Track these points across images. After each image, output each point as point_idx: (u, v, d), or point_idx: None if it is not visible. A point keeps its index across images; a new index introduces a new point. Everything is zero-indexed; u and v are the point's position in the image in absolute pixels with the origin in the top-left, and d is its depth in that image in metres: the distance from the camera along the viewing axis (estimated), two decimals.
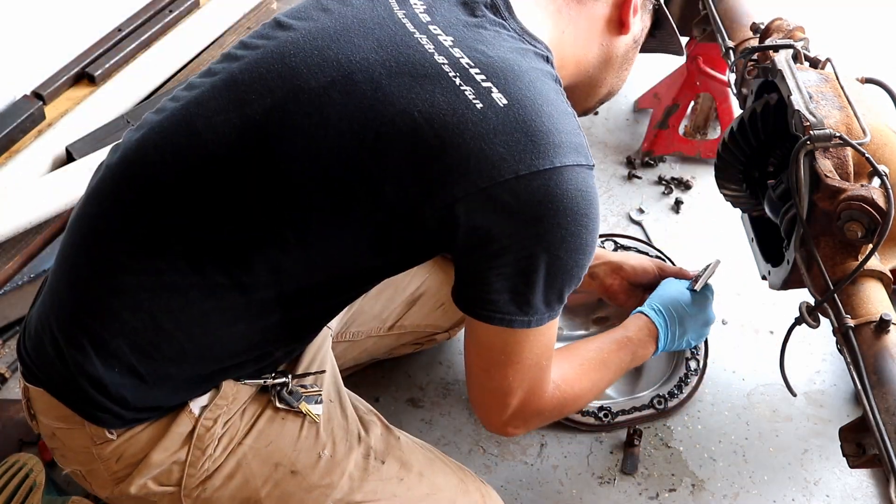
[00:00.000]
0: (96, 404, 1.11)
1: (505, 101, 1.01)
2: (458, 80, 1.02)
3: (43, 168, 1.93)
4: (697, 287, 1.52)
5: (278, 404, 1.21)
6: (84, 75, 2.16)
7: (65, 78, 2.12)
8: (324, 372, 1.28)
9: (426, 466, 1.32)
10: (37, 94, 2.07)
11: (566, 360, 1.33)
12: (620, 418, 1.70)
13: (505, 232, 1.03)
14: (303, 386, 1.24)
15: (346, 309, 1.36)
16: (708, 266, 1.59)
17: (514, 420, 1.21)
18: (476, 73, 1.03)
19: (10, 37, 1.97)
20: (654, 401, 1.72)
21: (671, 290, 1.53)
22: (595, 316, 1.87)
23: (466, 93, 1.01)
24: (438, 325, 1.69)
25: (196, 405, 1.16)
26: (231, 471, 1.18)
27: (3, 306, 1.75)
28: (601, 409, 1.70)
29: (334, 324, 1.48)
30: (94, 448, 1.14)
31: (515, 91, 1.02)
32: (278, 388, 1.22)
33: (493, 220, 1.02)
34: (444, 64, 1.03)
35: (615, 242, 1.87)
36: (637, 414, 1.71)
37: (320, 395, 1.25)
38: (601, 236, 1.88)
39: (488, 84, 1.02)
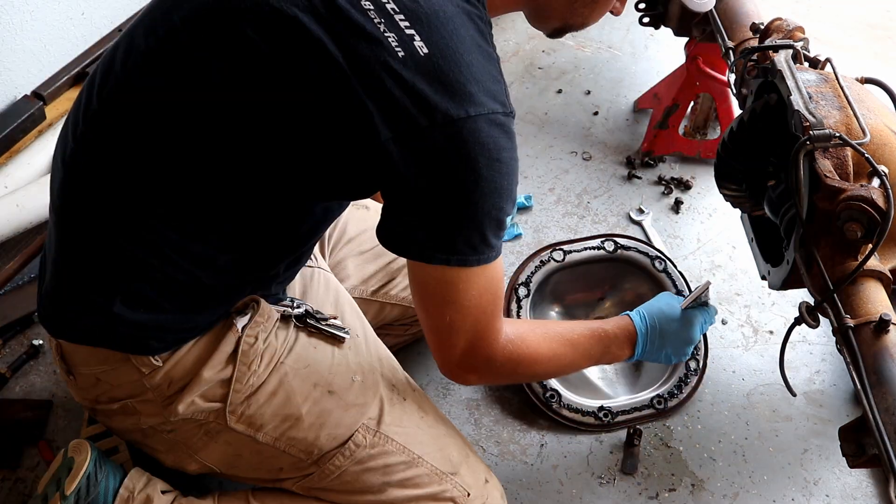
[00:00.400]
0: (135, 339, 1.18)
1: (426, 51, 1.04)
2: (382, 27, 1.04)
3: (43, 168, 1.93)
4: (683, 305, 1.51)
5: (310, 325, 1.31)
6: (84, 75, 2.16)
7: (65, 78, 2.12)
8: (337, 323, 1.37)
9: (440, 417, 1.43)
10: (37, 95, 2.07)
11: (531, 324, 1.40)
12: (620, 418, 1.70)
13: (423, 176, 1.06)
14: (325, 319, 1.34)
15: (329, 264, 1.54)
16: (698, 287, 1.59)
17: (464, 364, 1.23)
18: (401, 20, 1.05)
19: (11, 37, 1.97)
20: (654, 401, 1.72)
21: (661, 302, 1.52)
22: (595, 316, 1.88)
23: (390, 40, 1.03)
24: None
25: (239, 321, 1.24)
26: (274, 388, 1.25)
27: (3, 306, 1.75)
28: (601, 409, 1.70)
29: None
30: (145, 379, 1.20)
31: (438, 39, 1.05)
32: (303, 315, 1.31)
33: (413, 165, 1.05)
34: (369, 10, 1.05)
35: (615, 242, 1.87)
36: (637, 414, 1.71)
37: (345, 328, 1.35)
38: (601, 236, 1.88)
39: (411, 31, 1.04)
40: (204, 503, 1.34)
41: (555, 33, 1.35)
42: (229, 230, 1.15)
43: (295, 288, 1.42)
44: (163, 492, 1.33)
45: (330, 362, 1.31)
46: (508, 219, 1.16)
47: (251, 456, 1.28)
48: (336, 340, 1.34)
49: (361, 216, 1.67)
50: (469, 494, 1.35)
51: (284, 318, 1.30)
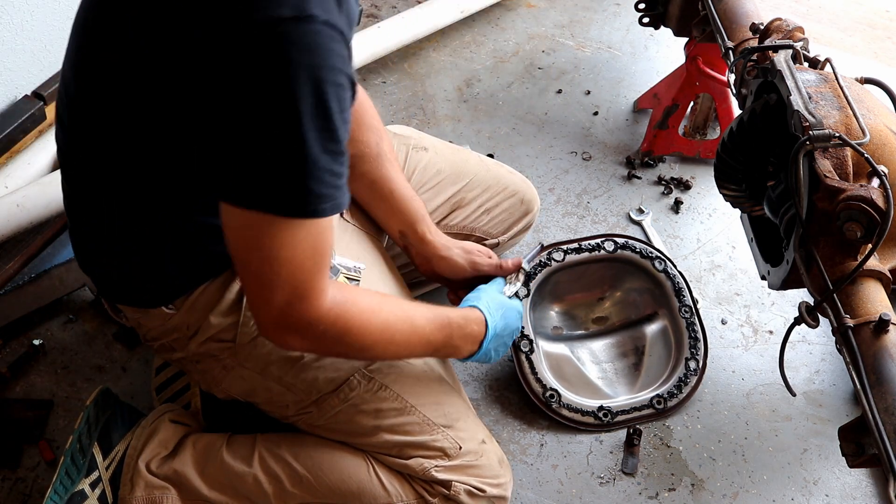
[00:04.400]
0: (147, 294, 1.30)
1: None
2: None
3: (43, 168, 1.93)
4: (507, 292, 1.45)
5: None
6: None
7: None
8: (362, 268, 1.42)
9: (448, 377, 1.47)
10: (37, 95, 2.07)
11: (367, 293, 1.29)
12: (620, 418, 1.71)
13: (221, 103, 0.98)
14: (344, 267, 1.39)
15: None
16: (524, 264, 1.52)
17: (281, 323, 1.13)
18: None
19: (11, 37, 1.97)
20: (654, 401, 1.72)
21: (497, 289, 1.46)
22: (595, 316, 1.88)
23: None
24: (484, 229, 1.73)
25: None
26: None
27: (3, 306, 1.75)
28: (601, 408, 1.70)
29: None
30: (167, 323, 1.32)
31: None
32: None
33: (211, 92, 0.98)
34: None
35: (615, 242, 1.87)
36: (637, 414, 1.71)
37: (358, 280, 1.39)
38: (601, 236, 1.89)
39: None
40: (214, 437, 1.43)
41: None
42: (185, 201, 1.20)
43: None
44: (173, 421, 1.46)
45: None
46: (335, 163, 1.03)
47: (263, 391, 1.37)
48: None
49: (420, 157, 1.69)
50: (461, 448, 1.38)
51: None
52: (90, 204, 1.26)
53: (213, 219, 1.12)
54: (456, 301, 1.54)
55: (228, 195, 1.04)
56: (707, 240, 2.11)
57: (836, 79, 1.34)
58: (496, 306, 1.42)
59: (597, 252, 1.86)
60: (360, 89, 1.39)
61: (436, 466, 1.36)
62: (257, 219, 1.03)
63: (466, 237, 1.71)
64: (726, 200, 1.56)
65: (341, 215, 1.51)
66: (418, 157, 1.68)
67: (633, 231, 2.11)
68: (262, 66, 0.95)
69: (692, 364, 1.77)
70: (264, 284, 1.09)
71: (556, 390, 1.70)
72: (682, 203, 2.18)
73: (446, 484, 1.37)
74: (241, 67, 0.96)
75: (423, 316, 1.30)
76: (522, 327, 1.62)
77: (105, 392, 1.50)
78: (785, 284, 1.36)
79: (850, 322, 1.18)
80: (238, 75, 0.96)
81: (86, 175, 1.24)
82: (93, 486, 1.38)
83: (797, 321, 1.27)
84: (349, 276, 1.40)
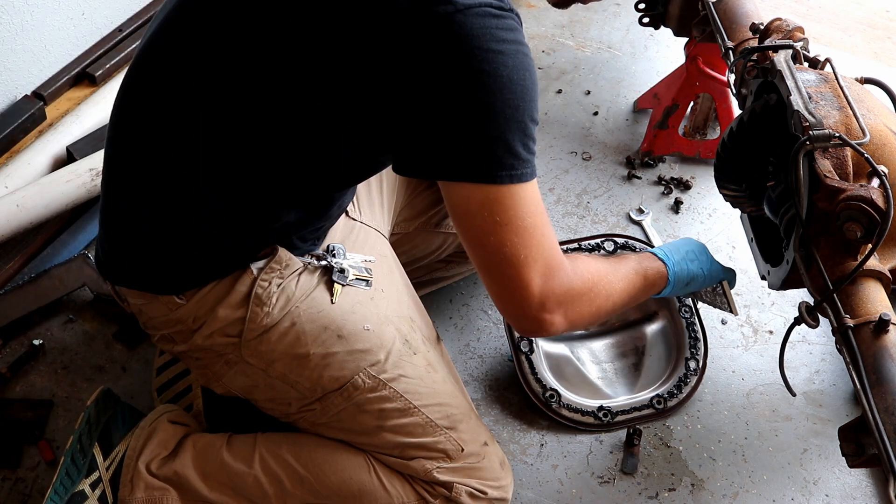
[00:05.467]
0: (158, 282, 1.32)
1: None
2: None
3: (43, 168, 1.93)
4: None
5: (334, 279, 1.36)
6: (85, 75, 2.16)
7: (65, 78, 2.12)
8: (372, 261, 1.45)
9: (452, 378, 1.47)
10: (37, 95, 2.07)
11: (571, 256, 1.29)
12: (620, 418, 1.71)
13: (428, 77, 1.04)
14: (354, 268, 1.41)
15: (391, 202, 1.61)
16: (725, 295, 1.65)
17: (547, 301, 1.15)
18: None
19: (11, 37, 1.97)
20: (654, 401, 1.72)
21: (689, 245, 1.55)
22: None
23: None
24: None
25: (255, 266, 1.31)
26: (285, 329, 1.32)
27: (3, 306, 1.75)
28: (601, 408, 1.70)
29: (384, 223, 1.61)
30: (172, 314, 1.33)
31: None
32: (327, 269, 1.37)
33: (415, 66, 1.05)
34: None
35: (615, 242, 1.87)
36: (637, 414, 1.71)
37: (369, 280, 1.41)
38: (601, 236, 1.89)
39: None
40: (214, 437, 1.43)
41: (560, 2, 1.33)
42: (256, 180, 1.21)
43: (335, 238, 1.46)
44: (172, 421, 1.46)
45: (346, 310, 1.36)
46: (535, 130, 1.10)
47: (265, 388, 1.37)
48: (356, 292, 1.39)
49: None
50: (463, 450, 1.38)
51: (310, 268, 1.36)
52: (144, 177, 1.25)
53: (287, 213, 1.26)
54: None
55: (465, 173, 1.07)
56: (707, 240, 2.11)
57: (836, 79, 1.34)
58: (672, 247, 1.51)
59: (597, 252, 1.86)
60: None
61: (438, 468, 1.36)
62: (496, 192, 1.08)
63: None
64: (726, 200, 1.56)
65: (347, 213, 1.52)
66: None
67: (633, 231, 2.11)
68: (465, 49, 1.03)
69: (692, 364, 1.77)
70: (520, 265, 1.11)
71: (556, 390, 1.70)
72: (682, 203, 2.18)
73: (448, 485, 1.37)
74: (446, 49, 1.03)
75: (622, 266, 1.36)
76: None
77: (106, 392, 1.50)
78: (785, 284, 1.36)
79: (850, 322, 1.18)
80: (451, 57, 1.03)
81: (153, 144, 1.22)
82: (93, 486, 1.39)
83: (797, 321, 1.27)
84: (360, 276, 1.40)
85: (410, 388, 1.37)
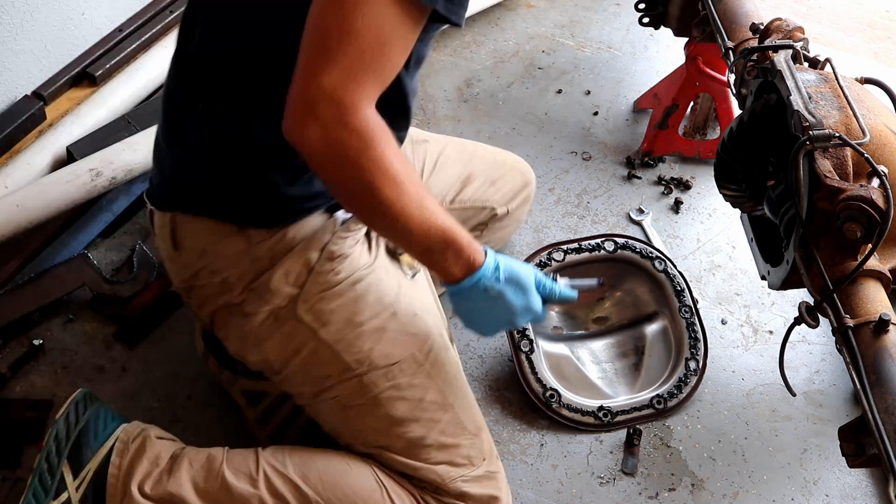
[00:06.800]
0: (252, 212, 1.28)
1: None
2: None
3: (43, 168, 1.93)
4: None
5: (389, 251, 1.38)
6: (85, 75, 2.16)
7: (65, 78, 2.12)
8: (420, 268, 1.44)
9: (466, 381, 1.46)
10: (37, 95, 2.07)
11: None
12: (620, 418, 1.71)
13: None
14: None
15: None
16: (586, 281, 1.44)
17: (316, 106, 1.04)
18: None
19: (11, 37, 1.97)
20: (654, 401, 1.72)
21: (522, 265, 1.30)
22: (595, 316, 1.88)
23: None
24: (494, 199, 1.80)
25: (340, 216, 1.31)
26: (347, 291, 1.31)
27: (3, 306, 1.75)
28: (601, 408, 1.70)
29: None
30: (252, 248, 1.29)
31: None
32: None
33: None
34: None
35: (615, 242, 1.87)
36: (637, 414, 1.71)
37: (419, 270, 1.43)
38: (601, 236, 1.89)
39: None
40: (212, 452, 1.36)
41: None
42: None
43: None
44: (158, 437, 1.38)
45: (398, 290, 1.36)
46: None
47: (308, 354, 1.32)
48: (405, 274, 1.40)
49: (424, 148, 1.73)
50: (484, 460, 1.36)
51: (369, 238, 1.37)
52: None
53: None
54: None
55: None
56: (707, 240, 2.11)
57: (836, 79, 1.34)
58: (508, 264, 1.26)
59: (597, 252, 1.87)
60: None
61: (462, 477, 1.34)
62: None
63: (480, 209, 1.77)
64: (726, 200, 1.56)
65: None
66: (423, 149, 1.72)
67: (633, 231, 2.11)
68: None
69: (692, 364, 1.77)
70: (324, 52, 1.03)
71: (556, 390, 1.70)
72: (682, 203, 2.18)
73: (464, 496, 1.34)
74: None
75: (435, 203, 1.18)
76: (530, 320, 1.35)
77: (78, 403, 1.40)
78: (785, 284, 1.36)
79: (850, 322, 1.18)
80: None
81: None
82: None
83: (797, 321, 1.27)
84: (410, 263, 1.43)
85: (450, 384, 1.35)
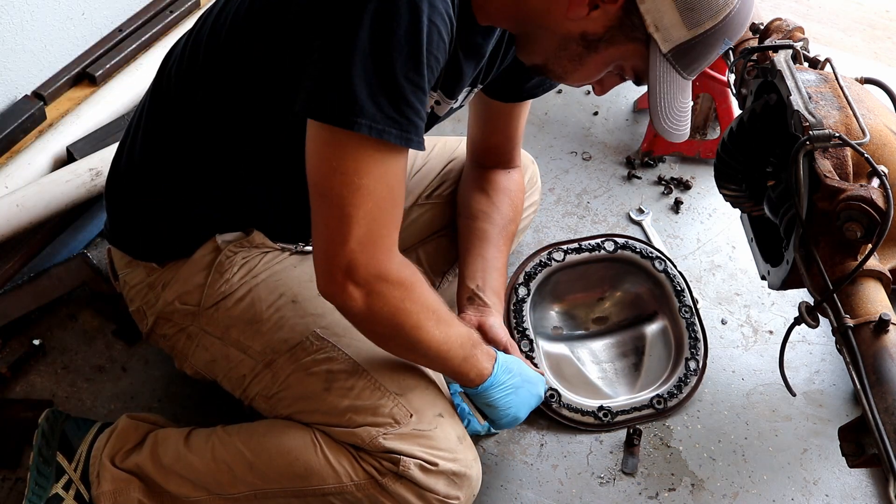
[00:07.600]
0: (144, 249, 1.44)
1: None
2: None
3: (43, 168, 1.93)
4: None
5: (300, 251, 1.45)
6: (85, 75, 2.16)
7: (65, 78, 2.12)
8: None
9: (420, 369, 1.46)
10: (37, 95, 2.07)
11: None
12: (620, 418, 1.71)
13: (308, 13, 1.09)
14: None
15: None
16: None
17: (353, 271, 1.11)
18: None
19: (11, 37, 1.97)
20: (654, 401, 1.72)
21: (530, 373, 1.46)
22: (594, 316, 1.88)
23: None
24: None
25: (222, 239, 1.40)
26: (242, 296, 1.39)
27: (3, 306, 1.75)
28: (601, 408, 1.70)
29: None
30: (148, 278, 1.43)
31: None
32: (300, 252, 1.46)
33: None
34: None
35: (615, 242, 1.87)
36: (637, 414, 1.71)
37: None
38: (601, 236, 1.89)
39: None
40: (176, 430, 1.46)
41: (535, 69, 1.28)
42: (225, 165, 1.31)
43: None
44: (132, 417, 1.50)
45: (305, 278, 1.38)
46: (413, 96, 1.06)
47: (223, 360, 1.41)
48: None
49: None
50: (412, 416, 1.30)
51: (283, 251, 1.44)
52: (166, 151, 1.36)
53: (254, 188, 1.34)
54: None
55: (311, 109, 1.07)
56: (707, 240, 2.11)
57: (836, 79, 1.34)
58: (519, 370, 1.43)
59: (597, 252, 1.86)
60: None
61: (384, 434, 1.29)
62: (338, 136, 1.06)
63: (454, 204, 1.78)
64: (726, 200, 1.56)
65: None
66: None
67: (633, 231, 2.11)
68: None
69: (692, 364, 1.77)
70: (343, 218, 1.09)
71: (556, 390, 1.70)
72: (682, 203, 2.18)
73: (395, 459, 1.28)
74: None
75: (456, 318, 1.32)
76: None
77: (54, 411, 1.55)
78: (785, 284, 1.36)
79: (850, 322, 1.18)
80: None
81: (171, 117, 1.36)
82: (66, 487, 1.44)
83: (797, 321, 1.27)
84: None
85: (362, 353, 1.34)
